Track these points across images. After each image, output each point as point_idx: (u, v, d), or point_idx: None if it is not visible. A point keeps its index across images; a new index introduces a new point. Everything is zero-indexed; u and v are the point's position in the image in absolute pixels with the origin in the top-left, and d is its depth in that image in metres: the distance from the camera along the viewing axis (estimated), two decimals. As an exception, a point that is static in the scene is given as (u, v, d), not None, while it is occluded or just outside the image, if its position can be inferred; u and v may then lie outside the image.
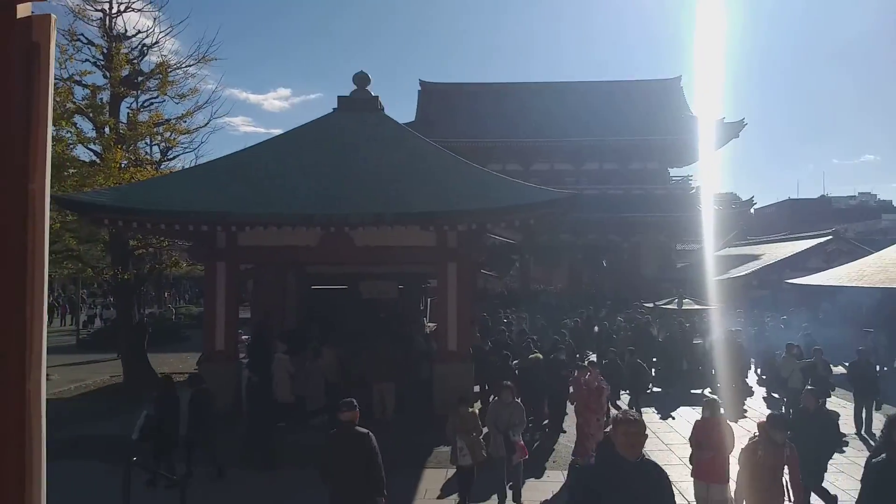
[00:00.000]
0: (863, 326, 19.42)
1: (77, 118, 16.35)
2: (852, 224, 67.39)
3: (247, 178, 13.47)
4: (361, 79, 16.19)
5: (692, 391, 16.23)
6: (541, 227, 13.09)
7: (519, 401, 9.36)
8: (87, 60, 16.35)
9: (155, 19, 17.10)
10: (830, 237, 29.83)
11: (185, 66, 17.43)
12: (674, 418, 14.22)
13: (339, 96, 16.06)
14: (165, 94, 17.51)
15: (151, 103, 17.64)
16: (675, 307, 18.76)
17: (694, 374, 16.77)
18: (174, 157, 18.91)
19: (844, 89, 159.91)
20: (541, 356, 13.10)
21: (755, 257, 32.98)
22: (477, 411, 9.31)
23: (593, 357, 16.25)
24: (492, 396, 14.05)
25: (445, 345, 13.79)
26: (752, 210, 51.33)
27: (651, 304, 21.34)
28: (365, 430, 6.54)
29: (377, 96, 16.17)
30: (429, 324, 19.80)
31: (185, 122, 17.41)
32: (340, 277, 18.30)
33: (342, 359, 13.78)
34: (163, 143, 17.80)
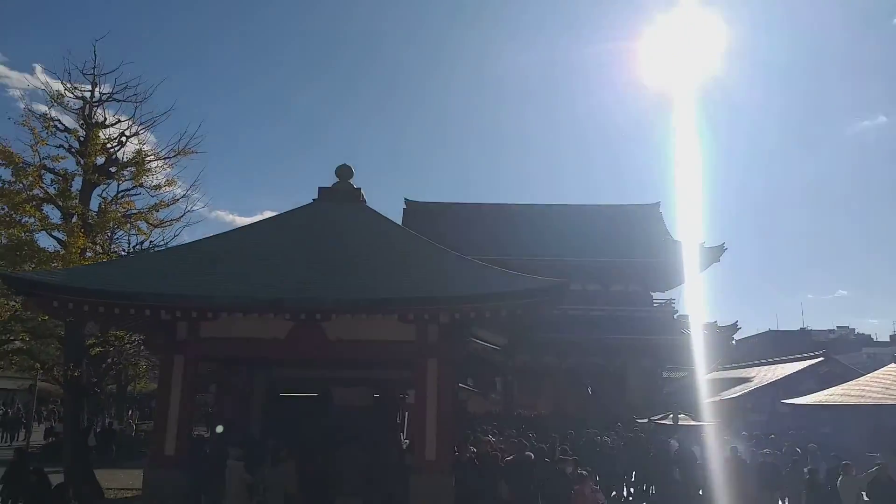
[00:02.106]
0: (866, 451, 18.18)
1: (46, 207, 15.66)
2: (835, 357, 66.84)
3: (215, 264, 12.58)
4: (344, 171, 15.75)
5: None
6: (529, 318, 12.15)
7: None
8: (60, 146, 15.84)
9: (136, 109, 16.72)
10: (822, 359, 29.02)
11: (164, 158, 16.95)
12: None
13: (319, 187, 15.54)
14: (141, 185, 16.91)
15: (125, 195, 16.96)
16: (671, 423, 17.50)
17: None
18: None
19: (818, 226, 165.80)
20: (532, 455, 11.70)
21: (745, 380, 31.93)
22: None
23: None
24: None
25: (423, 453, 12.36)
26: (734, 338, 50.84)
27: (645, 420, 20.01)
28: None
29: (359, 188, 15.68)
30: (406, 440, 18.23)
31: (157, 213, 16.67)
32: (311, 384, 16.98)
33: (304, 468, 12.26)
34: (133, 234, 16.97)
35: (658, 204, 51.74)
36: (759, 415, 26.27)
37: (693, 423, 17.77)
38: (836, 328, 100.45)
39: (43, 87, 16.31)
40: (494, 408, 41.55)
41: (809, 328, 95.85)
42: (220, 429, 15.77)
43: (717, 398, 28.67)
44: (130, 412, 40.54)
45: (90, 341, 16.59)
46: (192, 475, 12.26)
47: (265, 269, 12.44)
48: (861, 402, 18.66)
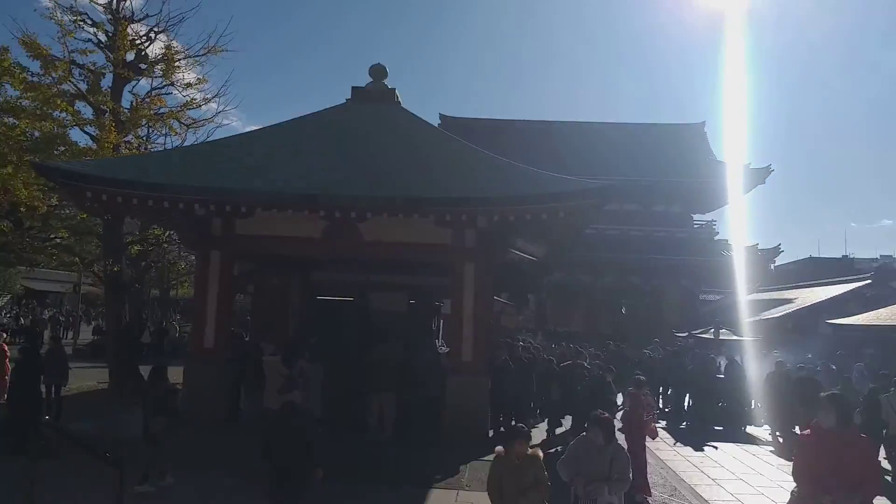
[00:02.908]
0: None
1: (77, 104, 15.42)
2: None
3: (249, 160, 12.24)
4: (378, 71, 15.07)
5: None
6: (572, 223, 11.63)
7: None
8: (88, 40, 15.43)
9: (164, 3, 16.13)
10: (870, 281, 28.04)
11: (194, 56, 16.45)
12: (717, 449, 12.56)
13: (353, 87, 14.92)
14: (171, 83, 16.53)
15: (157, 93, 16.61)
16: (712, 336, 17.12)
17: (730, 410, 15.02)
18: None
19: (864, 153, 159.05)
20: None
21: (787, 301, 31.20)
22: (541, 454, 5.57)
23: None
24: (549, 430, 12.59)
25: (459, 354, 12.27)
26: (773, 264, 49.74)
27: (685, 333, 19.65)
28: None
29: (394, 88, 15.02)
30: (441, 345, 18.25)
31: (189, 112, 16.34)
32: (348, 287, 16.91)
33: (340, 365, 12.28)
34: (167, 134, 16.71)
35: (703, 123, 49.79)
36: (800, 335, 25.70)
37: (734, 337, 17.38)
38: (879, 256, 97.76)
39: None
40: (527, 324, 41.75)
41: (852, 255, 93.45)
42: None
43: (757, 318, 28.11)
44: (174, 315, 41.79)
45: (129, 239, 16.69)
46: (230, 368, 12.41)
47: (299, 167, 12.07)
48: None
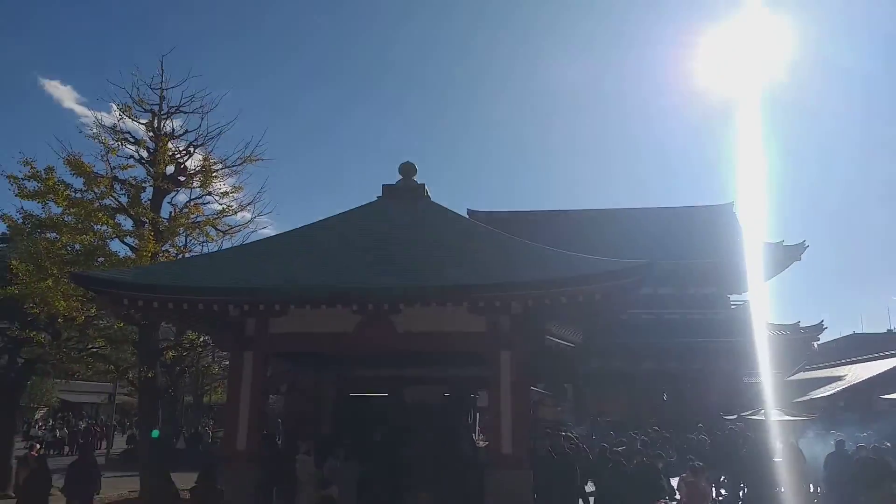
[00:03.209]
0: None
1: (118, 217, 16.02)
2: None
3: (281, 260, 12.48)
4: (407, 168, 15.49)
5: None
6: (609, 305, 11.45)
7: None
8: (130, 157, 16.21)
9: (202, 120, 16.96)
10: (923, 352, 26.91)
11: (231, 166, 17.11)
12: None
13: (383, 185, 15.30)
14: (209, 193, 17.14)
15: (194, 202, 17.22)
16: (763, 418, 16.34)
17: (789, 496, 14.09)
18: (213, 257, 18.22)
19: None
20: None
21: (837, 378, 29.98)
22: None
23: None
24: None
25: (499, 447, 11.81)
26: (815, 342, 48.21)
27: (734, 416, 18.82)
28: None
29: (423, 184, 15.37)
30: (478, 439, 17.74)
31: (225, 219, 16.83)
32: (381, 382, 16.71)
33: (375, 463, 11.94)
34: (204, 241, 17.16)
35: (731, 204, 49.80)
36: (853, 413, 24.49)
37: (788, 418, 16.58)
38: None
39: (117, 119, 16.61)
40: (565, 415, 40.54)
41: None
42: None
43: (807, 397, 26.95)
44: (207, 420, 41.58)
45: (163, 346, 16.84)
46: (263, 470, 12.13)
47: (331, 264, 12.25)
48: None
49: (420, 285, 10.99)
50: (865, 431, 18.18)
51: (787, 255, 41.15)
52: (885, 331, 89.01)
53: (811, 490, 14.50)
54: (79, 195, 15.12)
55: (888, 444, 14.19)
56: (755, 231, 56.25)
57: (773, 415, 16.42)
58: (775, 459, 14.80)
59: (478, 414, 19.64)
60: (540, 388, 25.72)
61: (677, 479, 11.16)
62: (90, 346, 17.26)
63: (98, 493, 12.63)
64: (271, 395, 23.65)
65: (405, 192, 15.07)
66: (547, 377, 23.66)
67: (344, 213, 14.57)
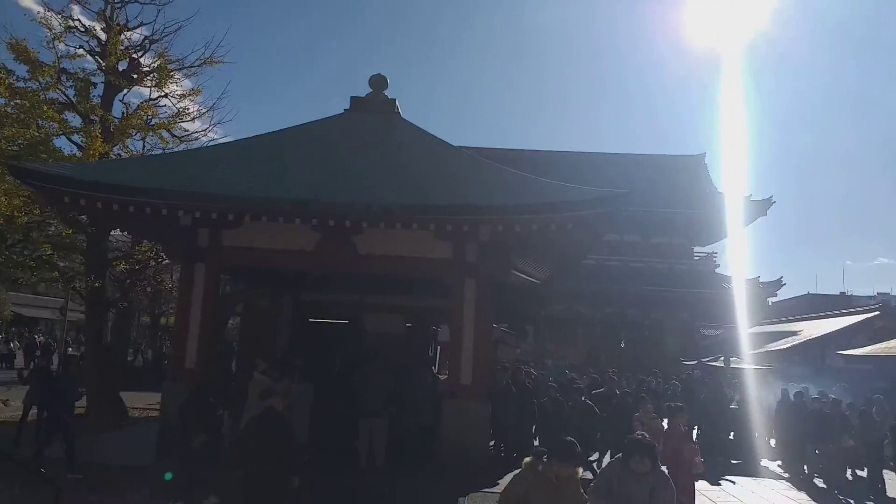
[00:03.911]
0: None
1: (67, 115, 14.85)
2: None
3: (239, 168, 11.62)
4: (378, 81, 14.56)
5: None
6: (580, 236, 10.96)
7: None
8: (80, 47, 14.93)
9: (159, 12, 15.64)
10: (878, 312, 27.35)
11: (189, 66, 15.93)
12: (734, 484, 11.74)
13: (352, 97, 14.38)
14: (165, 95, 16.00)
15: (149, 103, 16.06)
16: (722, 364, 16.36)
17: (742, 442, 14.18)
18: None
19: (860, 191, 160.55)
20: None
21: (791, 333, 30.47)
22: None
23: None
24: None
25: (458, 378, 11.43)
26: (771, 300, 49.08)
27: (694, 361, 18.86)
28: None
29: (394, 99, 14.49)
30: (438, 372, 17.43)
31: (182, 124, 15.76)
32: (341, 309, 16.17)
33: (331, 387, 11.48)
34: (159, 146, 16.10)
35: (703, 155, 49.54)
36: (806, 368, 24.90)
37: (747, 366, 16.62)
38: (876, 294, 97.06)
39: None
40: (525, 356, 40.84)
41: (850, 293, 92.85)
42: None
43: (764, 350, 27.34)
44: (165, 343, 40.86)
45: (113, 256, 16.01)
46: (214, 388, 11.58)
47: (292, 176, 11.45)
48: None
49: (386, 204, 10.31)
50: (820, 385, 18.41)
51: (753, 209, 41.19)
52: (839, 293, 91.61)
53: (766, 438, 14.58)
54: (22, 84, 13.94)
55: (847, 401, 14.28)
56: (724, 184, 56.39)
57: (731, 362, 16.42)
58: (731, 406, 14.84)
59: (439, 348, 19.30)
60: (502, 327, 25.55)
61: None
62: (36, 253, 16.31)
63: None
64: (230, 319, 23.10)
65: (375, 106, 14.19)
66: (510, 315, 23.37)
67: (307, 123, 13.65)
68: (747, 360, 18.57)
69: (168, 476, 8.31)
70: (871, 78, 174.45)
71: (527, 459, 4.67)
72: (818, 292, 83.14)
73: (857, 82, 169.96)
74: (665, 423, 8.54)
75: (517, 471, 4.75)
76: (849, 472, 12.91)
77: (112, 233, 16.37)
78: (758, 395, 15.22)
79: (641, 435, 4.98)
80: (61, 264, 18.70)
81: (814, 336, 27.55)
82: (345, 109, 14.37)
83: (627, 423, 9.16)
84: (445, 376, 13.44)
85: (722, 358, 16.77)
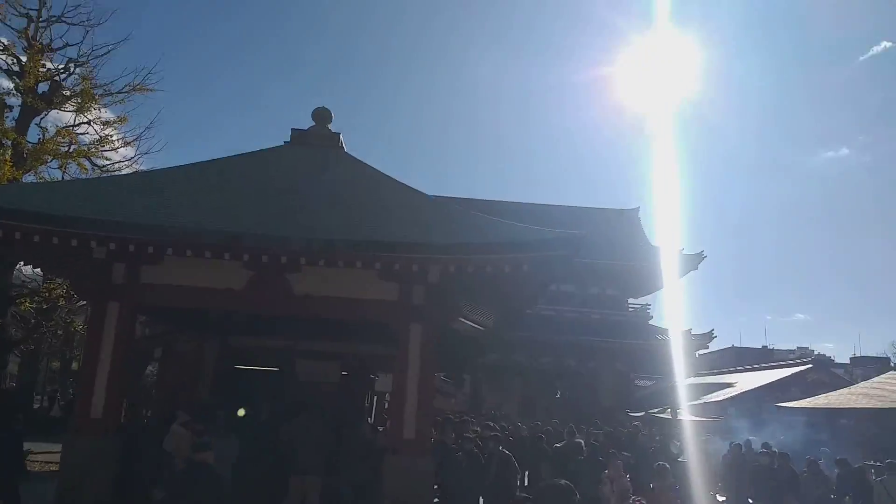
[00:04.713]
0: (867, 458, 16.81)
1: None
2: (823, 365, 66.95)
3: (163, 197, 10.55)
4: (321, 114, 13.83)
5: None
6: (534, 279, 10.35)
7: None
8: (-6, 65, 13.71)
9: (87, 34, 14.60)
10: (811, 365, 27.87)
11: (116, 93, 14.85)
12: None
13: (293, 129, 13.58)
14: (89, 123, 14.85)
15: (70, 129, 14.84)
16: (669, 417, 15.94)
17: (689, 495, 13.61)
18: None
19: (782, 248, 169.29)
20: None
21: (727, 385, 30.71)
22: None
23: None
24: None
25: (401, 431, 10.47)
26: (699, 352, 49.98)
27: (641, 413, 18.42)
28: None
29: (338, 133, 13.77)
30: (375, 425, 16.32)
31: (105, 152, 14.58)
32: (271, 355, 14.98)
33: (257, 442, 10.31)
34: (76, 175, 14.82)
35: (637, 209, 50.59)
36: (743, 420, 24.92)
37: (695, 418, 16.25)
38: (796, 348, 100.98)
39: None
40: (461, 406, 39.85)
41: (772, 346, 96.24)
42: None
43: (701, 401, 27.32)
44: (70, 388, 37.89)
45: (16, 292, 14.45)
46: (124, 443, 10.24)
47: (223, 209, 10.50)
48: (870, 405, 17.29)
49: (327, 240, 9.46)
50: (764, 437, 18.25)
51: (685, 263, 42.01)
52: (761, 346, 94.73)
53: (712, 493, 14.09)
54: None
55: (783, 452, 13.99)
56: (658, 237, 57.75)
57: (680, 414, 16.05)
58: (680, 459, 14.33)
59: (375, 398, 18.22)
60: (440, 375, 24.64)
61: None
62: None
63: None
64: (149, 366, 21.32)
65: (317, 140, 13.42)
66: (449, 363, 22.53)
67: (242, 154, 12.73)
68: (689, 412, 18.27)
69: None
70: (789, 140, 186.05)
71: None
72: (742, 345, 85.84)
73: (777, 144, 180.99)
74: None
75: None
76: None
77: (21, 267, 14.87)
78: (704, 448, 14.80)
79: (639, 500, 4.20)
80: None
81: (750, 388, 27.76)
82: (284, 142, 13.54)
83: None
84: (383, 429, 12.48)
85: (668, 409, 16.41)
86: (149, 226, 9.19)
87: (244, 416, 11.58)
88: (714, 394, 29.48)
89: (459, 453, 10.73)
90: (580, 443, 11.57)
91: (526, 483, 12.63)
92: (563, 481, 3.76)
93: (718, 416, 19.08)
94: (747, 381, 30.12)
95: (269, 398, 13.16)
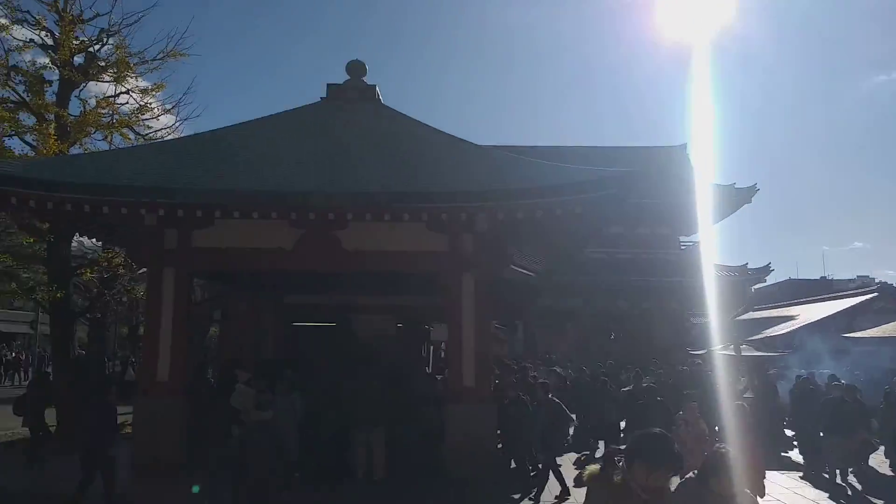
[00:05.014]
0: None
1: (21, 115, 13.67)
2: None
3: (209, 162, 10.54)
4: (356, 67, 13.54)
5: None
6: (586, 221, 10.01)
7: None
8: (31, 40, 13.75)
9: (115, 1, 14.45)
10: (876, 294, 26.80)
11: (151, 60, 14.76)
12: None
13: (328, 84, 13.34)
14: (127, 91, 14.84)
15: (109, 100, 14.89)
16: (733, 353, 15.56)
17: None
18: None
19: (834, 177, 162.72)
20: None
21: (790, 318, 29.86)
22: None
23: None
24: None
25: (460, 379, 10.45)
26: (763, 283, 48.82)
27: (703, 351, 18.07)
28: None
29: (374, 85, 13.47)
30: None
31: (145, 120, 14.61)
32: (327, 311, 15.10)
33: (320, 398, 10.40)
34: (122, 144, 14.92)
35: (684, 146, 49.03)
36: (809, 353, 24.26)
37: (759, 353, 15.85)
38: (856, 277, 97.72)
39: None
40: (515, 352, 40.01)
41: (830, 276, 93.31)
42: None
43: (762, 335, 26.66)
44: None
45: (77, 263, 14.84)
46: (190, 403, 10.47)
47: (267, 168, 10.41)
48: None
49: (372, 193, 9.30)
50: (833, 369, 17.69)
51: (738, 197, 40.74)
52: (819, 277, 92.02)
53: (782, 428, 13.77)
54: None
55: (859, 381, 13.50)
56: (707, 173, 56.09)
57: (743, 350, 15.65)
58: (746, 395, 14.00)
59: (431, 347, 18.31)
60: (494, 323, 24.64)
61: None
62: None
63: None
64: (210, 328, 21.84)
65: (354, 94, 13.17)
66: (502, 310, 22.44)
67: (283, 112, 12.58)
68: (752, 347, 17.82)
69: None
70: (837, 69, 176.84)
71: (592, 468, 3.55)
72: (799, 277, 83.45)
73: (824, 74, 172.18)
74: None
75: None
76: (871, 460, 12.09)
77: (82, 239, 15.19)
78: (770, 383, 14.41)
79: (724, 448, 3.95)
80: (25, 275, 17.48)
81: (813, 320, 26.93)
82: (321, 98, 13.32)
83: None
84: (441, 377, 12.48)
85: (731, 346, 16.02)
86: (195, 190, 9.19)
87: (306, 372, 11.70)
88: (776, 327, 28.73)
89: (506, 401, 10.60)
90: (651, 386, 11.32)
91: (590, 426, 12.50)
92: (657, 430, 3.46)
93: (783, 350, 18.54)
94: (810, 312, 29.21)
95: (328, 354, 13.31)
